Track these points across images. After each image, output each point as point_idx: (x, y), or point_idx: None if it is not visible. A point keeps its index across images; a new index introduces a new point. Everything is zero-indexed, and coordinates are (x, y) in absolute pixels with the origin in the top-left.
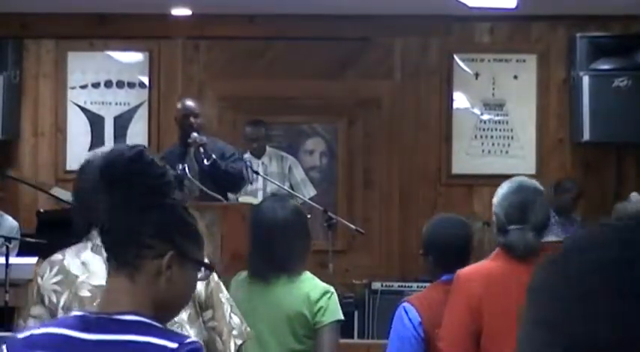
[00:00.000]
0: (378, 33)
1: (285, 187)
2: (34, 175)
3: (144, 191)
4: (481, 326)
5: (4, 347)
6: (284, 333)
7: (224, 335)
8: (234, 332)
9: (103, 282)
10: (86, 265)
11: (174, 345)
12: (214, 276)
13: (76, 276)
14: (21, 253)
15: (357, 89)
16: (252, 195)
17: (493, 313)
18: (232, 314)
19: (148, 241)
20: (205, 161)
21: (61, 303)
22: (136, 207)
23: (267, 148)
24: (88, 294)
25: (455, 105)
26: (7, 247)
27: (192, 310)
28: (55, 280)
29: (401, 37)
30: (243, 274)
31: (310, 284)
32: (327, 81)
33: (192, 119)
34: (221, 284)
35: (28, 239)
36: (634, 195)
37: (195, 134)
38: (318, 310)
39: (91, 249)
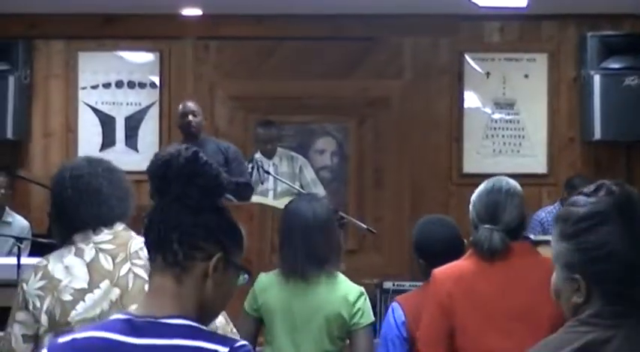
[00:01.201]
0: (388, 32)
1: (296, 187)
2: (45, 176)
3: (199, 192)
4: (454, 325)
5: (43, 350)
6: (320, 334)
7: None
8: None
9: (85, 285)
10: (69, 269)
11: (225, 349)
12: None
13: (59, 281)
14: (32, 253)
15: (367, 88)
16: (263, 194)
17: (464, 311)
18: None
19: (200, 242)
20: None
21: (44, 308)
22: (190, 207)
23: (278, 149)
24: (69, 298)
25: (466, 104)
26: (19, 247)
27: None
28: (38, 285)
29: (411, 37)
30: (270, 274)
31: (347, 286)
32: (337, 80)
33: (190, 117)
34: None
35: (40, 239)
36: None
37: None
38: (356, 312)
39: (74, 254)
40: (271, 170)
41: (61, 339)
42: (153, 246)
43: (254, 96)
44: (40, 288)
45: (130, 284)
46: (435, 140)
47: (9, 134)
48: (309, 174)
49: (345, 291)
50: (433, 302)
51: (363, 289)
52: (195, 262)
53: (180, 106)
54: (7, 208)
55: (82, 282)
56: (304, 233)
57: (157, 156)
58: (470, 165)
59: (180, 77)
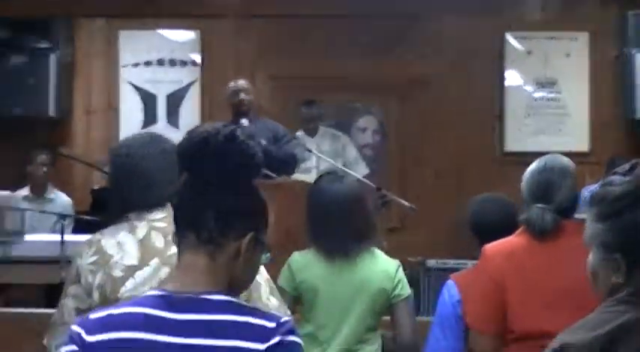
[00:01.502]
0: (430, 10)
1: (338, 165)
2: (87, 153)
3: (237, 170)
4: (505, 301)
5: (73, 326)
6: (365, 309)
7: None
8: None
9: (136, 262)
10: (121, 245)
11: (272, 324)
12: None
13: (111, 256)
14: (75, 230)
15: (409, 67)
16: (306, 173)
17: (515, 288)
18: (271, 297)
19: (235, 221)
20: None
21: (96, 283)
22: (228, 185)
23: (321, 127)
24: (120, 274)
25: (507, 83)
26: (62, 224)
27: None
28: (91, 260)
29: (453, 15)
30: (304, 253)
31: (385, 260)
32: (378, 59)
33: (242, 95)
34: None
35: (82, 216)
36: None
37: (244, 121)
38: (397, 284)
39: (128, 230)
40: (314, 148)
41: (95, 315)
42: (185, 223)
43: (295, 75)
44: (92, 263)
45: None
46: (476, 118)
47: (51, 112)
48: (352, 152)
49: (384, 265)
50: (484, 278)
51: (398, 261)
52: (229, 240)
53: (232, 84)
54: (49, 185)
55: (132, 259)
56: (343, 211)
57: (191, 134)
58: (511, 144)
59: (221, 55)
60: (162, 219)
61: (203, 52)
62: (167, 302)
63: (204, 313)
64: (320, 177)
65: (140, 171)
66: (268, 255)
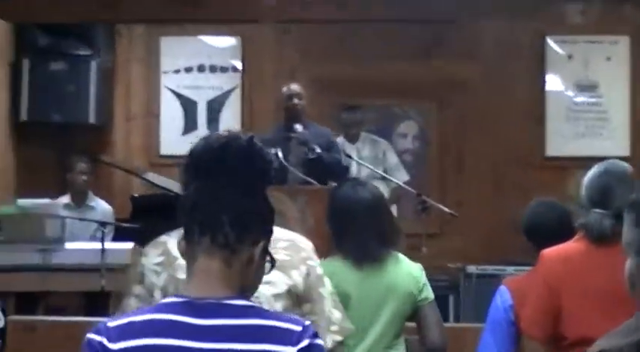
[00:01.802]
0: (470, 14)
1: (379, 171)
2: (128, 160)
3: (256, 176)
4: (560, 306)
5: (91, 335)
6: (394, 313)
7: (320, 330)
8: (334, 328)
9: None
10: None
11: (299, 328)
12: (317, 269)
13: (176, 258)
14: (115, 238)
15: (449, 71)
16: None
17: (571, 293)
18: (333, 310)
19: (251, 226)
20: (310, 154)
21: (160, 284)
22: (245, 190)
23: (362, 133)
24: (184, 276)
25: (547, 87)
26: (103, 232)
27: (289, 301)
28: (157, 261)
29: (492, 19)
30: (330, 260)
31: (409, 263)
32: (418, 63)
33: (295, 100)
34: (324, 278)
35: (122, 224)
36: None
37: (298, 127)
38: (423, 287)
39: None
40: (354, 154)
41: (113, 322)
42: (199, 228)
43: (335, 80)
44: (157, 264)
45: None
46: (516, 123)
47: (91, 119)
48: (393, 158)
49: (409, 269)
50: (540, 283)
51: (420, 265)
52: (244, 246)
53: (285, 88)
54: (89, 193)
55: None
56: (369, 216)
57: (208, 140)
58: (552, 148)
59: (262, 61)
60: None
61: (244, 58)
62: (190, 307)
63: (228, 318)
64: (341, 183)
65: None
66: (270, 265)
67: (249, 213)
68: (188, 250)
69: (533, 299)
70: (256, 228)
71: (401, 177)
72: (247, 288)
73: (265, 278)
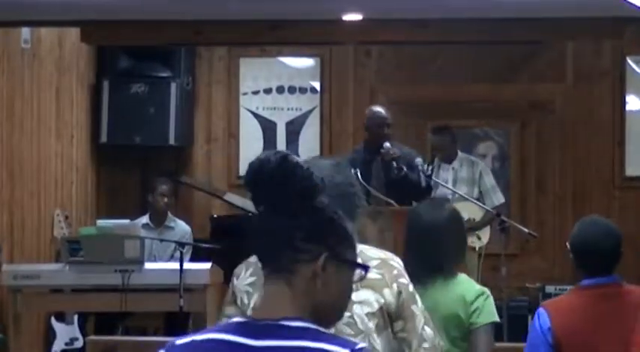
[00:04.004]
0: (550, 36)
1: (474, 193)
2: (208, 181)
3: (292, 195)
4: None
5: None
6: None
7: (413, 347)
8: (426, 345)
9: None
10: None
11: (346, 351)
12: (409, 287)
13: None
14: (194, 258)
15: (530, 92)
16: None
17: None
18: (426, 327)
19: (301, 245)
20: (397, 172)
21: (251, 304)
22: (284, 210)
23: (459, 153)
24: None
25: (628, 107)
26: (181, 252)
27: (381, 320)
28: (248, 281)
29: (573, 40)
30: None
31: (465, 286)
32: (498, 84)
33: (386, 129)
34: (416, 295)
35: (201, 244)
36: None
37: (387, 144)
38: (474, 311)
39: None
40: (450, 175)
41: (180, 340)
42: (260, 254)
43: (415, 101)
44: (249, 284)
45: None
46: (597, 143)
47: (172, 140)
48: (489, 180)
49: (462, 291)
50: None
51: (485, 289)
52: (301, 264)
53: (371, 112)
54: (169, 213)
55: None
56: (420, 238)
57: (250, 164)
58: (633, 169)
59: (341, 82)
60: None
61: (323, 79)
62: (247, 328)
63: (280, 339)
64: (419, 203)
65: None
66: (362, 273)
67: (292, 232)
68: (263, 274)
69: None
70: (308, 244)
71: (497, 199)
72: (324, 307)
73: (358, 297)
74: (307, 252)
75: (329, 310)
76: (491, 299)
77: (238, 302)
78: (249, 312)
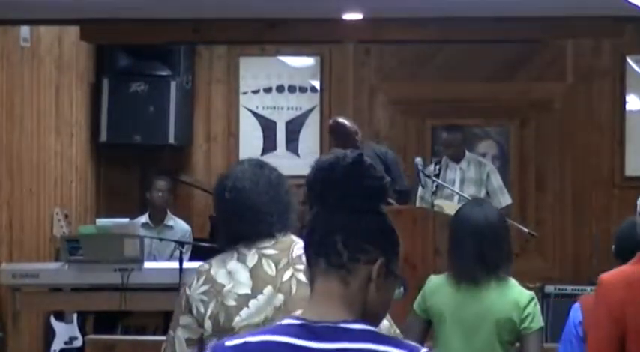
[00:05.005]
0: (550, 35)
1: (481, 193)
2: (207, 180)
3: (364, 194)
4: (625, 332)
5: None
6: (490, 338)
7: None
8: None
9: (249, 291)
10: (232, 274)
11: None
12: None
13: (223, 285)
14: (193, 257)
15: (529, 91)
16: (449, 199)
17: (636, 317)
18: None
19: (364, 244)
20: None
21: (208, 313)
22: (354, 209)
23: (467, 153)
24: (233, 303)
25: (628, 107)
26: (181, 252)
27: None
28: (202, 289)
29: (572, 39)
30: (441, 276)
31: (517, 290)
32: (498, 83)
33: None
34: None
35: (201, 243)
36: None
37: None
38: (527, 316)
39: (237, 259)
40: (457, 174)
41: (230, 342)
42: (315, 250)
43: (415, 100)
44: (203, 293)
45: (293, 290)
46: (597, 143)
47: (171, 139)
48: (497, 180)
49: (515, 296)
50: (601, 310)
51: (533, 294)
52: (360, 264)
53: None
54: (168, 212)
55: (245, 288)
56: (475, 238)
57: (318, 162)
58: (632, 168)
59: (341, 81)
60: (271, 247)
61: (323, 78)
62: (307, 330)
63: (345, 342)
64: (465, 203)
65: (250, 205)
66: (402, 289)
67: (360, 230)
68: (309, 273)
69: (596, 328)
70: (370, 246)
71: (504, 200)
72: (371, 312)
73: None
74: (367, 253)
75: (373, 317)
76: (538, 304)
77: (193, 311)
78: (207, 321)
